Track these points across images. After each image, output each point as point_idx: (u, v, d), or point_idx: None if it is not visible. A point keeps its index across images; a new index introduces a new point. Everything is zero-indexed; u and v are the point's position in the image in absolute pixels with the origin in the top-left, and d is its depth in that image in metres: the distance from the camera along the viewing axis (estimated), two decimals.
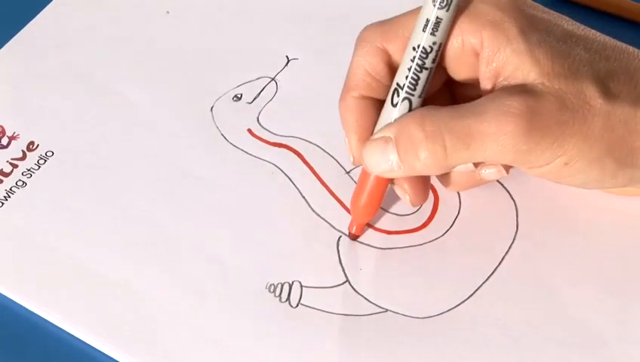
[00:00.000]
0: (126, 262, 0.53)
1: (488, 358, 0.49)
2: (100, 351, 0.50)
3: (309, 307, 0.51)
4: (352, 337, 0.50)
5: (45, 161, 0.57)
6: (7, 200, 0.55)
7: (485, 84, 0.47)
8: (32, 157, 0.57)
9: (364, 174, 0.50)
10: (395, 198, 0.53)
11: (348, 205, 0.54)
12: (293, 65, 0.61)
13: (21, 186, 0.56)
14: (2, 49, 0.62)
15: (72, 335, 0.51)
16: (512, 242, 0.53)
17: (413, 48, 0.47)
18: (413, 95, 0.47)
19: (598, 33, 0.48)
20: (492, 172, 0.49)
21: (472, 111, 0.46)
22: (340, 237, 0.54)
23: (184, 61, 0.61)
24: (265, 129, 0.58)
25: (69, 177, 0.56)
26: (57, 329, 0.51)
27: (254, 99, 0.59)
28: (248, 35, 0.62)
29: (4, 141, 0.58)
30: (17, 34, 0.63)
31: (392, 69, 0.48)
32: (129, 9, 0.64)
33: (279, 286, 0.52)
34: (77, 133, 0.58)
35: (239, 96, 0.59)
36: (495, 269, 0.52)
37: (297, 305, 0.51)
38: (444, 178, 0.51)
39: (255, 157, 0.57)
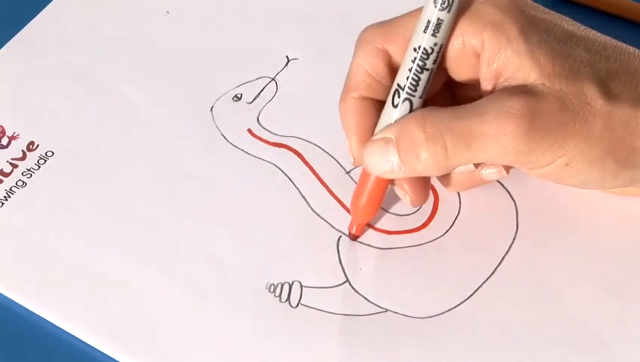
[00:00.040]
0: (126, 262, 0.53)
1: (488, 358, 0.49)
2: (100, 351, 0.50)
3: (309, 307, 0.51)
4: (352, 337, 0.50)
5: (45, 161, 0.57)
6: (7, 200, 0.55)
7: (486, 85, 0.47)
8: (32, 157, 0.57)
9: (365, 175, 0.50)
10: (395, 198, 0.53)
11: (348, 205, 0.54)
12: (293, 65, 0.61)
13: (21, 186, 0.56)
14: (2, 49, 0.62)
15: (72, 335, 0.51)
16: (512, 242, 0.53)
17: (414, 49, 0.47)
18: (414, 96, 0.47)
19: (599, 34, 0.48)
20: (492, 172, 0.49)
21: (472, 112, 0.46)
22: (340, 237, 0.54)
23: (184, 61, 0.61)
24: (265, 129, 0.58)
25: (69, 177, 0.56)
26: (57, 329, 0.51)
27: (254, 99, 0.59)
28: (248, 35, 0.62)
29: (4, 141, 0.58)
30: (17, 34, 0.63)
31: (393, 69, 0.48)
32: (129, 9, 0.64)
33: (279, 286, 0.52)
34: (77, 133, 0.58)
35: (239, 96, 0.59)
36: (495, 269, 0.52)
37: (297, 305, 0.51)
38: (445, 178, 0.51)
39: (255, 157, 0.57)
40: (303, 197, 0.55)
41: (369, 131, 0.49)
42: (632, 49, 0.48)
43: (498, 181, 0.54)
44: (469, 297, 0.51)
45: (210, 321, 0.51)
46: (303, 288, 0.52)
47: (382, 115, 0.48)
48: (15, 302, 0.52)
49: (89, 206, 0.55)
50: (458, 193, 0.54)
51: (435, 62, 0.47)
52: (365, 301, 0.51)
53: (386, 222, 0.54)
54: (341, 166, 0.56)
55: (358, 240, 0.53)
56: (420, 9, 0.47)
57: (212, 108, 0.59)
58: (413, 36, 0.47)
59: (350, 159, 0.51)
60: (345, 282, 0.52)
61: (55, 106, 0.59)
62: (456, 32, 0.47)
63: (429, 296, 0.51)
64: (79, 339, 0.51)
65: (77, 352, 0.51)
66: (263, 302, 0.51)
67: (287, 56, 0.61)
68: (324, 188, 0.55)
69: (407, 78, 0.47)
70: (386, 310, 0.51)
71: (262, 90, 0.59)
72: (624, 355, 0.49)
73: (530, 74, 0.46)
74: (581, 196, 0.53)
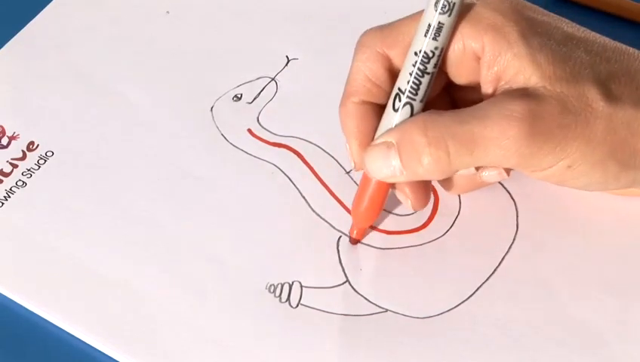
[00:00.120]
0: (126, 262, 0.53)
1: (488, 358, 0.49)
2: (100, 351, 0.50)
3: (309, 307, 0.51)
4: (352, 337, 0.50)
5: (45, 161, 0.57)
6: (7, 200, 0.55)
7: (486, 88, 0.47)
8: (32, 157, 0.57)
9: (365, 179, 0.50)
10: (395, 199, 0.53)
11: (348, 205, 0.54)
12: (293, 65, 0.61)
13: (21, 186, 0.56)
14: (2, 49, 0.62)
15: (72, 335, 0.51)
16: (512, 242, 0.53)
17: (415, 53, 0.47)
18: (414, 100, 0.47)
19: (598, 35, 0.48)
20: (493, 174, 0.49)
21: (474, 115, 0.46)
22: (340, 237, 0.54)
23: (184, 61, 0.61)
24: (265, 129, 0.58)
25: (69, 177, 0.56)
26: (57, 329, 0.51)
27: (254, 99, 0.59)
28: (248, 35, 0.62)
29: (4, 141, 0.58)
30: (17, 34, 0.63)
31: (393, 74, 0.48)
32: (129, 9, 0.64)
33: (279, 286, 0.52)
34: (77, 133, 0.58)
35: (239, 96, 0.59)
36: (495, 269, 0.52)
37: (297, 305, 0.51)
38: (446, 182, 0.51)
39: (255, 157, 0.57)
40: (303, 198, 0.55)
41: (370, 136, 0.49)
42: (631, 50, 0.48)
43: (498, 181, 0.54)
44: (469, 297, 0.51)
45: (210, 321, 0.51)
46: (303, 288, 0.52)
47: (382, 120, 0.48)
48: (15, 302, 0.52)
49: (89, 206, 0.55)
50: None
51: (435, 65, 0.47)
52: (365, 301, 0.51)
53: (386, 222, 0.54)
54: (341, 166, 0.56)
55: None
56: (419, 13, 0.47)
57: (212, 108, 0.59)
58: (413, 40, 0.47)
59: (351, 164, 0.50)
60: (345, 282, 0.52)
61: (55, 106, 0.59)
62: (456, 36, 0.47)
63: (429, 296, 0.51)
64: (79, 339, 0.51)
65: (77, 352, 0.51)
66: (263, 302, 0.51)
67: (287, 56, 0.61)
68: (324, 188, 0.55)
69: (408, 82, 0.47)
70: (386, 310, 0.51)
71: (262, 90, 0.59)
72: (624, 355, 0.49)
73: (531, 77, 0.46)
74: (581, 196, 0.53)
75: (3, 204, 0.55)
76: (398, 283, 0.52)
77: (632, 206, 0.53)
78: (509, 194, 0.54)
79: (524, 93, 0.46)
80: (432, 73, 0.47)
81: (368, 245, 0.53)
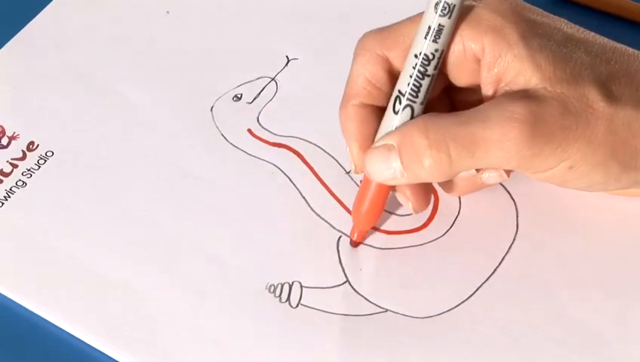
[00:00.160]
0: (126, 262, 0.53)
1: (488, 358, 0.49)
2: (100, 351, 0.50)
3: (309, 307, 0.51)
4: (352, 337, 0.50)
5: (45, 161, 0.57)
6: (7, 200, 0.55)
7: (487, 90, 0.47)
8: (32, 157, 0.57)
9: (366, 181, 0.50)
10: (396, 199, 0.53)
11: (348, 205, 0.54)
12: (293, 65, 0.61)
13: (21, 186, 0.56)
14: (2, 49, 0.62)
15: (72, 335, 0.51)
16: (512, 242, 0.53)
17: (415, 55, 0.47)
18: (415, 102, 0.47)
19: (598, 35, 0.48)
20: (493, 176, 0.49)
21: (475, 117, 0.46)
22: (340, 237, 0.54)
23: (184, 61, 0.61)
24: (265, 129, 0.58)
25: (69, 177, 0.56)
26: (57, 329, 0.51)
27: (254, 99, 0.59)
28: (248, 35, 0.62)
29: (4, 141, 0.58)
30: (17, 34, 0.63)
31: (393, 76, 0.48)
32: (129, 9, 0.64)
33: (279, 286, 0.52)
34: (77, 133, 0.58)
35: (239, 96, 0.59)
36: (495, 269, 0.52)
37: (297, 306, 0.51)
38: (446, 183, 0.51)
39: (255, 157, 0.57)
40: (303, 198, 0.55)
41: (370, 138, 0.49)
42: (631, 50, 0.48)
43: None
44: (469, 297, 0.51)
45: (210, 321, 0.51)
46: (303, 288, 0.52)
47: (383, 122, 0.48)
48: (15, 302, 0.52)
49: (89, 206, 0.55)
50: None
51: (436, 68, 0.47)
52: (365, 301, 0.51)
53: (386, 222, 0.54)
54: (341, 166, 0.56)
55: None
56: (419, 15, 0.47)
57: (212, 108, 0.59)
58: (413, 42, 0.47)
59: (351, 167, 0.50)
60: (345, 282, 0.52)
61: (55, 106, 0.59)
62: (456, 38, 0.47)
63: (429, 296, 0.51)
64: (79, 339, 0.51)
65: (77, 352, 0.51)
66: (263, 302, 0.51)
67: (287, 56, 0.61)
68: (324, 189, 0.55)
69: (408, 84, 0.47)
70: (386, 310, 0.51)
71: (262, 90, 0.59)
72: (624, 355, 0.49)
73: (532, 78, 0.46)
74: (581, 196, 0.53)
75: (3, 204, 0.55)
76: (398, 283, 0.52)
77: (632, 206, 0.53)
78: (509, 194, 0.54)
79: (524, 95, 0.46)
80: (433, 75, 0.47)
81: (368, 245, 0.53)
